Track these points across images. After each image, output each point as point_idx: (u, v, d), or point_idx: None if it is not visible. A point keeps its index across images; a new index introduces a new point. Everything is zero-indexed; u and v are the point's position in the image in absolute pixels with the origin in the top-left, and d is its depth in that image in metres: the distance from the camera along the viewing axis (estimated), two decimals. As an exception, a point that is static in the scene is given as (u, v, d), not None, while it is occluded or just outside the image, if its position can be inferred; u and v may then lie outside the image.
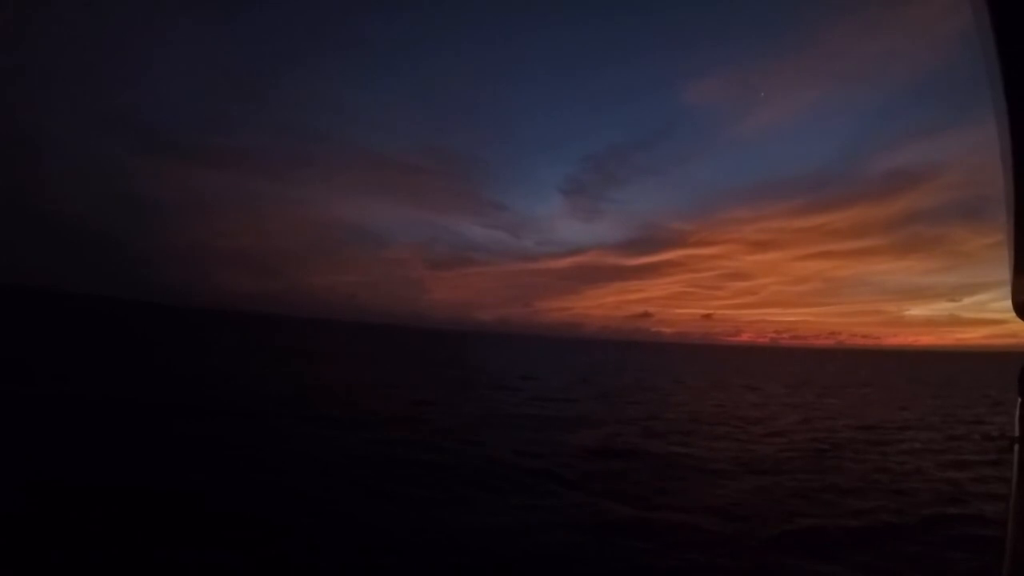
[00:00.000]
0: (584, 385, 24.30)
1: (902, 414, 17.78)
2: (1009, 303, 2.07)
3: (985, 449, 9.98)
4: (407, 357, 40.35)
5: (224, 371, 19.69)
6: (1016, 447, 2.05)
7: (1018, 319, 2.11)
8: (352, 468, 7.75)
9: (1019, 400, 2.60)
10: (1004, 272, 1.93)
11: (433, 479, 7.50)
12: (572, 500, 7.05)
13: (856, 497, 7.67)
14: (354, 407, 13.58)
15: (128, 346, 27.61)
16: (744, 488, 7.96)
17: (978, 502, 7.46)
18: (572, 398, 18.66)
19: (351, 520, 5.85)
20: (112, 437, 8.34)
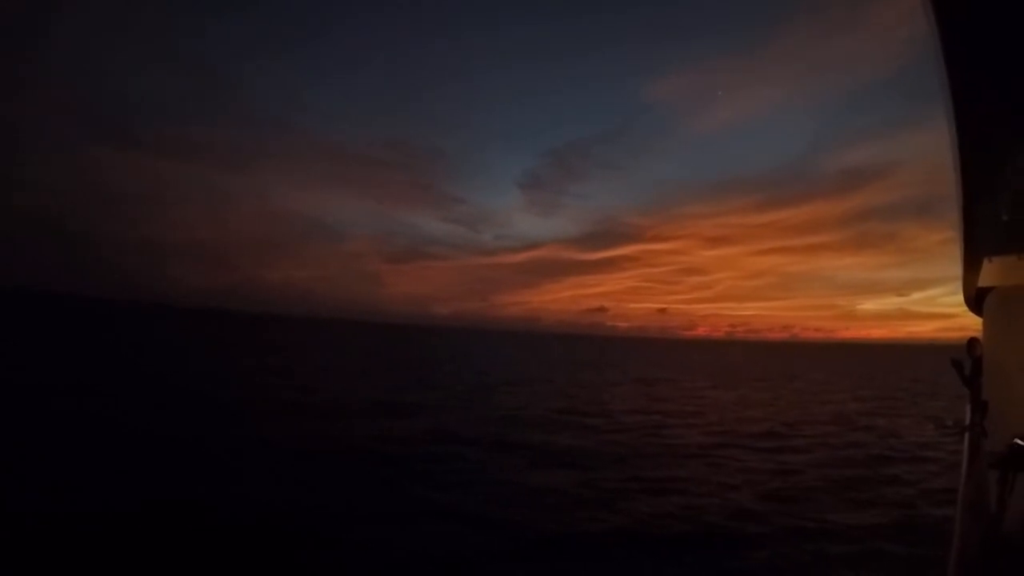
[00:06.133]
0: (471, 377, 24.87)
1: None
2: (959, 297, 2.19)
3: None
4: (331, 352, 39.20)
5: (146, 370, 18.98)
6: (967, 435, 2.19)
7: (968, 312, 2.24)
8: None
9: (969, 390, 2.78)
10: (954, 267, 2.01)
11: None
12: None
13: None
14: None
15: (60, 344, 25.69)
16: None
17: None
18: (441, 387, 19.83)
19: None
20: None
